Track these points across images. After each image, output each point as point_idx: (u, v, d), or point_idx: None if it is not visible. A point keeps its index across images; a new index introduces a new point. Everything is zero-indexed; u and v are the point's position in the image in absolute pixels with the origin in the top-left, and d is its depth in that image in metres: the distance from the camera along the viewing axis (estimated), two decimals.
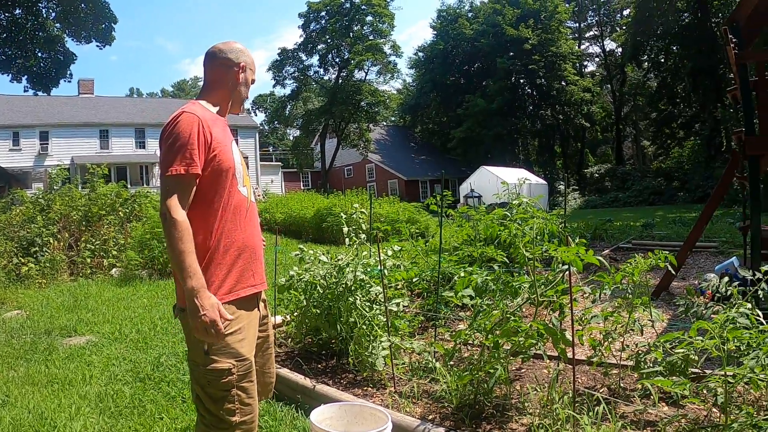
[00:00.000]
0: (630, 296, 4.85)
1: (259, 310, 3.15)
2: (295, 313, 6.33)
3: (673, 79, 51.40)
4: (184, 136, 2.77)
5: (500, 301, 4.59)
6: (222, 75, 3.10)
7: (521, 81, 61.92)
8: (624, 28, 58.87)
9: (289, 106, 66.19)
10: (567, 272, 4.13)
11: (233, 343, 2.83)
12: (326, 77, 61.70)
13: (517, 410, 4.35)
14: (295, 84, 61.56)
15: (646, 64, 57.44)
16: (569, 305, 4.11)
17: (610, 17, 67.32)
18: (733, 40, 7.56)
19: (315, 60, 60.64)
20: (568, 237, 4.34)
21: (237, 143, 3.24)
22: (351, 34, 57.80)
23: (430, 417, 4.40)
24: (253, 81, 3.24)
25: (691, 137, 52.73)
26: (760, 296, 4.08)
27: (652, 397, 4.30)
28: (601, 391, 4.73)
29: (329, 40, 58.34)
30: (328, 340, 5.98)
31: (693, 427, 3.88)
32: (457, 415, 4.36)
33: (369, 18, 58.25)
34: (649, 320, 4.79)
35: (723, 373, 3.60)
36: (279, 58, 60.48)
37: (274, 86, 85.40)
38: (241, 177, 3.04)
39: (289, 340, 6.53)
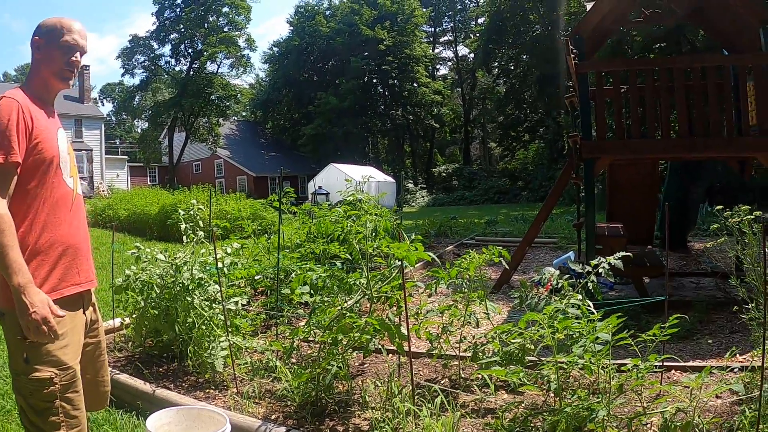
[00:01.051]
0: (466, 290, 4.93)
1: (85, 313, 2.91)
2: (134, 315, 6.00)
3: (521, 86, 53.74)
4: (2, 122, 2.54)
5: (336, 298, 4.55)
6: (33, 57, 2.84)
7: (374, 81, 62.63)
8: (477, 35, 60.86)
9: (138, 97, 63.52)
10: (401, 267, 4.13)
11: (55, 351, 2.60)
12: (177, 68, 59.55)
13: (359, 405, 4.35)
14: (145, 74, 58.98)
15: (496, 70, 59.74)
16: (404, 300, 4.12)
17: (465, 24, 69.41)
18: (574, 51, 7.97)
19: (167, 49, 58.35)
20: (402, 233, 4.35)
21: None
22: (206, 24, 56.10)
23: (273, 417, 4.32)
24: (75, 47, 2.83)
25: (535, 140, 55.27)
26: (590, 288, 4.24)
27: (490, 386, 4.39)
28: (442, 382, 4.81)
29: (183, 30, 56.32)
30: (168, 342, 5.69)
31: (530, 412, 4.00)
32: (300, 413, 4.30)
33: (225, 9, 56.76)
34: (485, 313, 4.89)
35: (554, 360, 3.70)
36: (129, 46, 57.66)
37: (123, 75, 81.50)
38: (67, 167, 2.80)
39: (129, 343, 6.19)
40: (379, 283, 4.52)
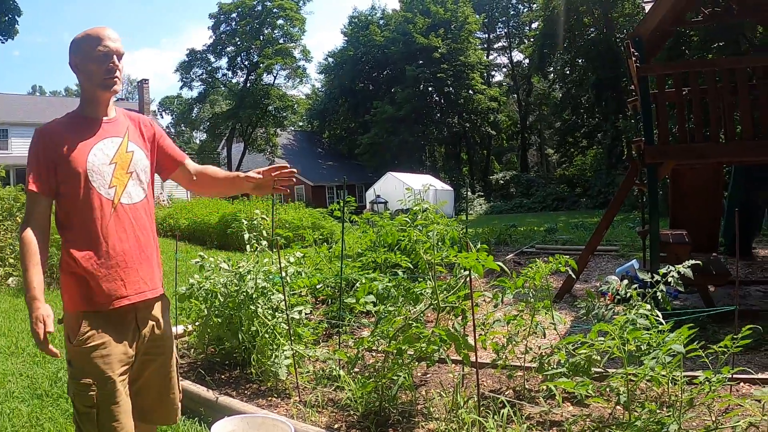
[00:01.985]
0: (532, 300, 4.88)
1: (139, 325, 2.86)
2: (197, 323, 6.10)
3: (577, 90, 53.06)
4: (31, 153, 2.77)
5: (402, 308, 4.54)
6: (78, 78, 2.91)
7: (429, 89, 62.55)
8: (532, 40, 60.46)
9: (196, 109, 64.92)
10: (468, 277, 4.10)
11: (95, 359, 2.65)
12: (234, 80, 60.79)
13: (423, 416, 4.32)
14: (202, 86, 60.38)
15: (552, 75, 59.20)
16: (471, 310, 4.09)
17: (519, 30, 69.03)
18: (635, 53, 7.85)
19: (224, 62, 59.72)
20: (469, 242, 4.33)
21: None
22: (261, 37, 57.10)
23: (336, 426, 4.31)
24: (110, 53, 2.82)
25: (593, 146, 54.54)
26: (659, 297, 4.15)
27: (556, 398, 4.33)
28: (506, 393, 4.76)
29: (239, 43, 57.47)
30: (231, 350, 5.77)
31: (597, 426, 3.93)
32: (363, 423, 4.29)
33: (280, 21, 57.69)
34: (551, 323, 4.83)
35: (624, 372, 3.63)
36: (187, 59, 59.15)
37: (181, 88, 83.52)
38: (106, 177, 2.79)
39: (192, 350, 6.30)
40: (445, 292, 4.51)
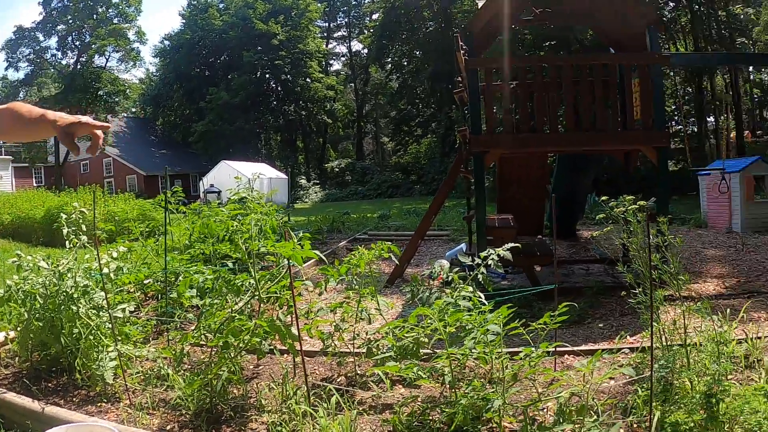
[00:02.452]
0: (356, 287, 4.90)
1: None
2: (18, 329, 5.64)
3: (413, 81, 54.39)
4: None
5: (224, 300, 4.42)
6: None
7: (267, 76, 61.83)
8: (371, 31, 61.07)
9: (22, 93, 60.35)
10: (288, 267, 4.06)
11: None
12: (64, 62, 57.04)
13: (256, 409, 4.25)
14: (30, 67, 56.33)
15: (390, 66, 60.15)
16: (292, 300, 4.06)
17: (360, 20, 69.62)
18: (464, 47, 8.10)
19: (53, 41, 55.90)
20: (289, 231, 4.28)
21: None
22: (95, 15, 53.95)
23: (168, 427, 4.17)
24: None
25: (427, 135, 56.03)
26: (480, 279, 4.29)
27: (387, 381, 4.38)
28: (338, 381, 4.77)
29: (71, 21, 53.92)
30: (56, 355, 5.37)
31: (427, 406, 4.00)
32: (196, 422, 4.17)
33: (115, 0, 54.78)
34: (376, 309, 4.88)
35: (446, 353, 3.72)
36: (14, 37, 54.86)
37: (6, 69, 77.57)
38: None
39: (16, 359, 5.81)
40: (269, 283, 4.44)
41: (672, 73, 42.55)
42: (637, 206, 4.25)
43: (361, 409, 4.17)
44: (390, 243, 5.05)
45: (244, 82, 57.46)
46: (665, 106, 44.72)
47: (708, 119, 42.22)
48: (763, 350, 5.16)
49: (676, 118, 47.69)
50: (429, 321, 3.94)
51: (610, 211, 4.47)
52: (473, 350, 3.65)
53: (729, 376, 4.70)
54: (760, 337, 5.31)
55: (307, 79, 61.30)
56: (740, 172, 15.09)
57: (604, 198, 4.84)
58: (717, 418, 3.61)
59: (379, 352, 4.67)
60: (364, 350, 4.88)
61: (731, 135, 40.42)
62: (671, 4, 38.28)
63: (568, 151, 10.38)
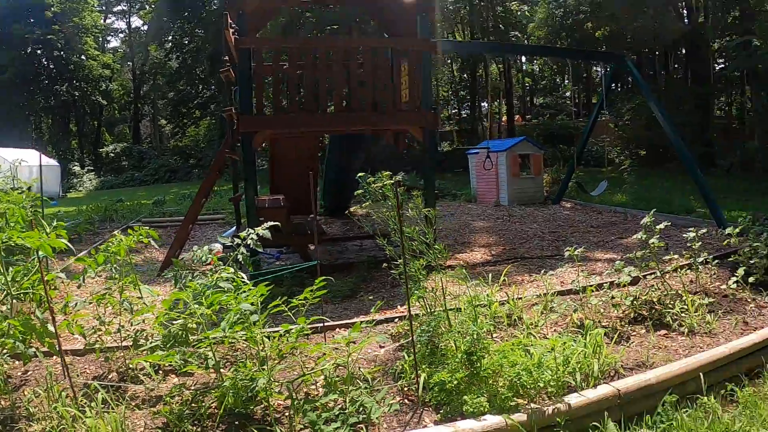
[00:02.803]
0: (118, 276, 4.68)
1: None
2: None
3: (193, 61, 52.56)
4: None
5: None
6: None
7: (38, 52, 56.70)
8: (153, 6, 58.05)
9: None
10: (39, 259, 3.81)
11: None
12: None
13: (26, 419, 3.92)
14: None
15: (170, 44, 57.58)
16: (46, 295, 3.80)
17: None
18: (234, 26, 7.97)
19: None
20: (41, 220, 4.01)
21: None
22: None
23: None
24: None
25: (206, 117, 54.65)
26: (240, 259, 4.27)
27: (159, 372, 4.26)
28: (110, 377, 4.57)
29: None
30: None
31: (197, 393, 3.92)
32: None
33: None
34: (139, 297, 4.71)
35: (206, 336, 3.67)
36: None
37: None
38: None
39: None
40: (24, 278, 4.13)
41: (450, 61, 44.92)
42: (392, 182, 4.41)
43: (134, 404, 4.02)
44: (147, 228, 4.84)
45: (12, 58, 52.29)
46: (443, 91, 46.96)
47: (482, 104, 45.09)
48: (524, 309, 5.63)
49: (452, 102, 50.53)
50: (193, 305, 3.85)
51: (367, 186, 4.61)
52: (228, 331, 3.61)
53: (494, 335, 5.08)
54: (521, 298, 5.77)
55: (82, 57, 57.12)
56: (506, 151, 16.42)
57: (360, 174, 4.98)
58: (479, 374, 3.87)
59: (148, 343, 4.51)
60: (131, 343, 4.69)
61: (503, 119, 43.64)
62: None
63: (338, 131, 10.61)
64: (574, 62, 34.71)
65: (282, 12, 25.54)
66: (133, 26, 66.89)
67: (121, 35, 69.33)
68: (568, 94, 49.11)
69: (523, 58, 49.64)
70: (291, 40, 10.13)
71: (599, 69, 44.38)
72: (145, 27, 62.15)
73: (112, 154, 55.18)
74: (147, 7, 62.62)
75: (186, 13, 50.54)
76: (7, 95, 51.11)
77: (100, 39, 62.61)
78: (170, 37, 56.50)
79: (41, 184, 6.68)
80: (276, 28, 28.74)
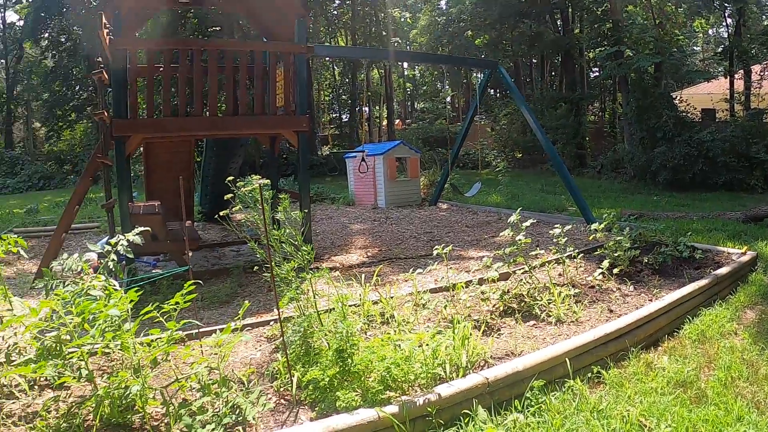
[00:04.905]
0: None
1: None
2: None
3: (70, 60, 50.34)
4: None
5: None
6: None
7: None
8: (30, 1, 55.12)
9: None
10: None
11: None
12: None
13: None
14: None
15: (46, 42, 54.87)
16: None
17: None
18: (108, 26, 7.83)
19: None
20: None
21: None
22: None
23: None
24: None
25: (83, 120, 52.56)
26: (111, 267, 4.26)
27: (33, 388, 4.17)
28: None
29: None
30: None
31: (73, 405, 3.89)
32: None
33: None
34: (9, 310, 4.61)
35: (77, 345, 3.65)
36: None
37: None
38: None
39: None
40: None
41: (332, 65, 45.16)
42: (260, 185, 4.50)
43: (10, 422, 3.92)
44: (15, 237, 4.74)
45: None
46: (324, 95, 47.06)
47: (364, 108, 45.55)
48: (396, 307, 5.84)
49: (333, 106, 50.80)
50: (63, 314, 3.82)
51: (236, 190, 4.69)
52: (98, 338, 3.61)
53: (368, 333, 5.26)
54: (393, 297, 5.98)
55: None
56: (383, 155, 16.75)
57: (230, 178, 5.05)
58: (350, 370, 4.02)
59: (21, 357, 4.41)
60: (3, 359, 4.57)
61: (384, 123, 44.25)
62: (337, 1, 40.59)
63: (211, 135, 10.58)
64: (453, 68, 35.72)
65: (163, 13, 25.04)
66: (8, 21, 63.42)
67: None
68: (448, 99, 50.41)
69: (405, 64, 50.61)
70: (165, 42, 9.95)
71: (479, 75, 45.95)
72: (21, 22, 59.07)
73: None
74: (24, 1, 59.61)
75: (64, 9, 48.47)
76: None
77: None
78: (47, 35, 54.03)
79: None
80: (157, 29, 28.10)
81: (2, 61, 61.56)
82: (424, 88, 56.45)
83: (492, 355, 4.95)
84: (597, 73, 36.99)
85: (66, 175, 45.10)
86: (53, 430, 3.67)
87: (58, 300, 3.67)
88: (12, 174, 47.41)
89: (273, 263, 4.04)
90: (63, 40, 51.99)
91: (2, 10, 62.61)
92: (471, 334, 4.91)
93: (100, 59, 8.67)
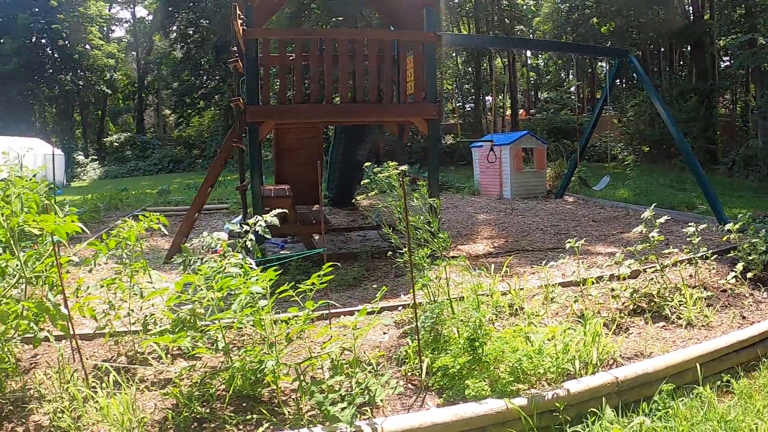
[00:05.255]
0: (128, 261, 4.77)
1: None
2: None
3: (198, 52, 52.46)
4: None
5: None
6: None
7: (43, 41, 56.55)
8: None
9: None
10: (53, 243, 3.88)
11: None
12: None
13: (37, 400, 4.02)
14: None
15: (174, 34, 57.46)
16: (59, 277, 3.90)
17: None
18: (242, 16, 8.07)
19: None
20: (54, 205, 4.08)
21: None
22: None
23: None
24: None
25: (211, 107, 54.60)
26: (249, 246, 4.35)
27: (168, 356, 4.35)
28: (119, 360, 4.65)
29: None
30: None
31: (206, 375, 4.02)
32: None
33: None
34: (149, 282, 4.80)
35: (216, 318, 3.76)
36: None
37: None
38: None
39: None
40: (37, 262, 4.21)
41: (455, 54, 44.90)
42: (398, 171, 4.49)
43: (143, 386, 4.12)
44: (158, 214, 4.95)
45: (17, 48, 52.19)
46: (447, 84, 46.89)
47: (487, 98, 45.06)
48: (525, 299, 5.73)
49: (456, 95, 50.49)
50: (203, 291, 3.94)
51: (374, 176, 4.69)
52: (239, 313, 3.70)
53: (496, 323, 5.18)
54: (522, 288, 5.87)
55: (87, 46, 56.98)
56: (510, 145, 16.47)
57: (367, 163, 5.06)
58: (481, 359, 3.96)
59: (157, 327, 4.61)
60: (141, 327, 4.79)
61: (507, 113, 43.60)
62: None
63: (342, 122, 10.68)
64: (579, 57, 34.72)
65: (289, 3, 25.55)
66: (138, 15, 66.79)
67: (126, 25, 69.15)
68: (572, 89, 49.09)
69: (528, 53, 49.61)
70: (298, 31, 10.21)
71: (604, 64, 44.50)
72: (150, 17, 62.00)
73: (116, 144, 54.98)
74: None
75: (191, 3, 50.39)
76: (11, 84, 50.92)
77: (105, 28, 62.43)
78: (175, 27, 56.37)
79: (53, 172, 6.76)
80: (282, 19, 28.73)
81: (134, 53, 64.73)
82: (548, 77, 55.20)
83: (621, 354, 4.78)
84: (728, 63, 34.97)
85: (194, 159, 46.96)
86: (185, 397, 3.79)
87: (200, 275, 3.78)
88: (143, 157, 49.81)
89: (410, 249, 4.02)
90: (191, 32, 54.07)
91: (132, 5, 65.82)
92: (600, 332, 4.75)
93: (234, 48, 8.95)
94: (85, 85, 57.67)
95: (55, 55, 57.53)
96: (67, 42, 55.41)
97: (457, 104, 50.96)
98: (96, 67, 56.75)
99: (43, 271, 4.21)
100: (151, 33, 61.22)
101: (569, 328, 4.68)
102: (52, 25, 52.79)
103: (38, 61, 55.49)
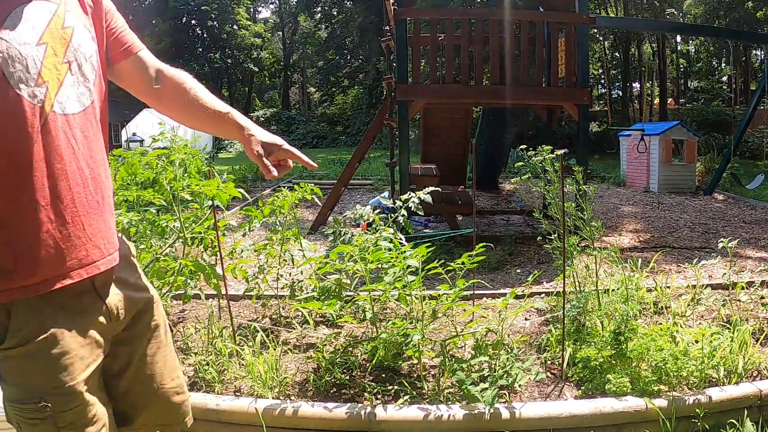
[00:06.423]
0: (280, 229, 4.95)
1: (101, 295, 1.76)
2: None
3: (342, 31, 53.54)
4: None
5: (149, 242, 4.38)
6: None
7: (192, 22, 59.62)
8: None
9: None
10: (212, 207, 4.08)
11: (41, 366, 1.60)
12: None
13: (183, 352, 4.26)
14: None
15: (319, 15, 58.93)
16: (217, 239, 4.09)
17: None
18: None
19: None
20: (213, 170, 4.28)
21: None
22: None
23: None
24: None
25: (354, 86, 55.55)
26: (400, 222, 4.41)
27: (311, 321, 4.49)
28: (263, 322, 4.84)
29: None
30: None
31: (349, 343, 4.13)
32: None
33: None
34: (299, 250, 4.96)
35: (368, 289, 3.84)
36: None
37: None
38: (30, 67, 1.55)
39: None
40: (193, 224, 4.44)
41: (601, 38, 43.47)
42: (554, 156, 4.40)
43: (286, 348, 4.27)
44: (312, 185, 5.11)
45: (168, 28, 55.36)
46: (593, 69, 45.54)
47: (634, 85, 43.34)
48: (671, 298, 5.50)
49: (602, 81, 48.87)
50: (350, 260, 4.04)
51: (528, 159, 4.63)
52: (392, 285, 3.76)
53: (638, 320, 5.01)
54: (669, 287, 5.64)
55: (234, 26, 59.59)
56: (660, 135, 15.72)
57: (522, 146, 4.99)
58: (625, 355, 3.85)
59: (302, 294, 4.76)
60: (288, 292, 4.96)
61: (655, 101, 41.72)
62: None
63: (491, 104, 10.58)
64: (734, 44, 32.63)
65: None
66: None
67: (272, 6, 71.40)
68: (725, 78, 46.17)
69: (678, 38, 47.01)
70: (448, 12, 10.20)
71: (759, 53, 41.64)
72: None
73: (262, 119, 56.99)
74: None
75: None
76: (165, 62, 53.15)
77: (252, 9, 64.78)
78: (319, 8, 57.68)
79: (212, 140, 7.07)
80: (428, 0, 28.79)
81: (280, 33, 66.70)
82: (699, 65, 52.09)
83: (766, 366, 4.50)
84: None
85: (337, 135, 48.04)
86: (328, 361, 3.87)
87: (355, 246, 3.88)
88: (288, 132, 51.36)
89: (564, 234, 3.94)
90: (335, 13, 55.16)
91: None
92: (748, 341, 4.48)
93: (387, 28, 9.06)
94: (233, 63, 60.24)
95: (205, 35, 60.45)
96: (215, 23, 58.01)
97: (603, 91, 49.28)
98: (243, 46, 59.10)
99: (200, 233, 4.43)
100: (296, 14, 62.84)
101: (717, 333, 4.45)
102: (201, 7, 55.36)
103: (189, 41, 58.54)
